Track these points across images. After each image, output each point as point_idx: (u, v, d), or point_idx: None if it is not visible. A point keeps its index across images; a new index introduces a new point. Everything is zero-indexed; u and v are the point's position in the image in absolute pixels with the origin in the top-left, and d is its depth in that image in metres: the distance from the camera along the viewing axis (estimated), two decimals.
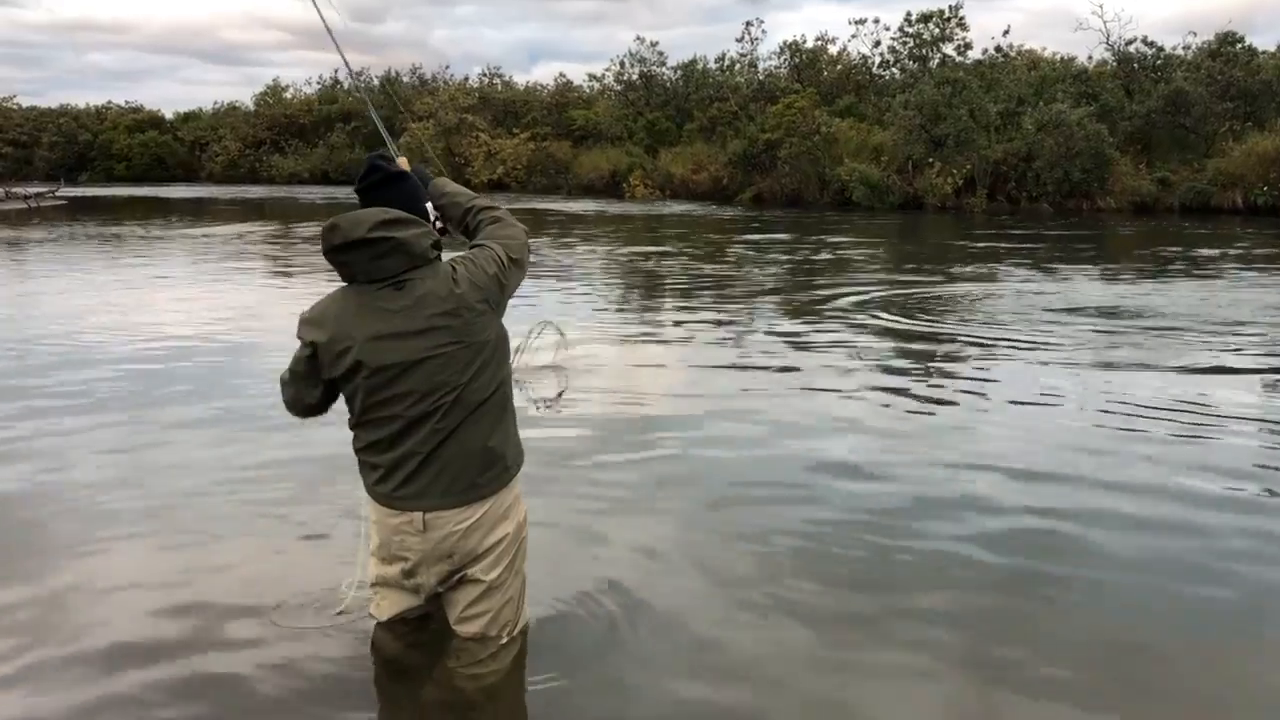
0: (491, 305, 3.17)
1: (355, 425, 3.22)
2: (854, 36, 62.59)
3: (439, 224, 3.37)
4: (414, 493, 3.15)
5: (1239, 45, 36.02)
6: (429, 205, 3.24)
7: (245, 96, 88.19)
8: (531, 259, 3.45)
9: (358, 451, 3.25)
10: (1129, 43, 38.70)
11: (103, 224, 27.40)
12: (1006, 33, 46.13)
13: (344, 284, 3.14)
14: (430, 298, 3.06)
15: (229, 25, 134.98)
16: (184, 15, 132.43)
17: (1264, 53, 36.36)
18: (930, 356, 9.07)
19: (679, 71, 50.36)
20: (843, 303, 12.26)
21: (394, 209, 3.06)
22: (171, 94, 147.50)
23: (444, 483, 3.15)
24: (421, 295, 3.06)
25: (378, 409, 3.12)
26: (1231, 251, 19.03)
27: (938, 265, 16.99)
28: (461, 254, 3.24)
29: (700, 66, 50.02)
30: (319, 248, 3.16)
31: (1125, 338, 9.88)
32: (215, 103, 68.93)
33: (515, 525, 3.34)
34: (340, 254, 3.04)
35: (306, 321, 3.15)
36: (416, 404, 3.09)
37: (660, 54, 51.01)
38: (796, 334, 10.16)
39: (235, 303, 12.37)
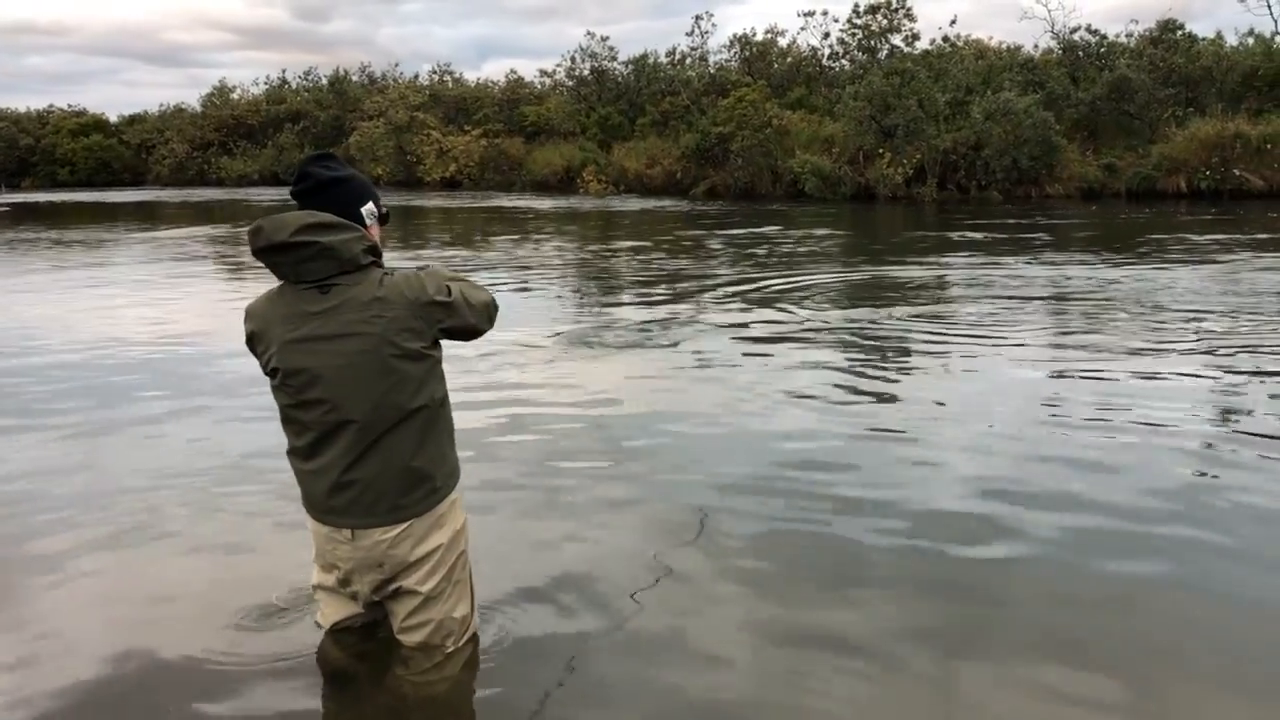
0: (424, 320, 3.09)
1: (284, 427, 3.20)
2: (803, 29, 63.24)
3: (382, 215, 3.25)
4: (337, 509, 3.14)
5: (1179, 33, 36.57)
6: (365, 209, 3.17)
7: (191, 98, 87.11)
8: (494, 323, 3.37)
9: (287, 455, 3.24)
10: (1073, 31, 39.23)
11: (47, 230, 26.92)
12: (953, 23, 46.63)
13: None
14: (351, 303, 3.01)
15: (171, 26, 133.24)
16: (125, 17, 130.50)
17: (1203, 39, 36.96)
18: (882, 343, 9.15)
19: (630, 66, 50.31)
20: (792, 293, 12.34)
21: (324, 213, 3.02)
22: (115, 97, 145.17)
23: (365, 503, 3.12)
24: (343, 300, 3.01)
25: (294, 413, 3.11)
26: (1181, 235, 19.35)
27: (888, 254, 17.14)
28: (409, 270, 3.20)
29: (651, 61, 50.01)
30: None
31: (1072, 320, 10.03)
32: (161, 105, 68.04)
33: (450, 534, 3.31)
34: (266, 255, 3.01)
35: (246, 313, 3.16)
36: (329, 413, 3.05)
37: (611, 49, 50.98)
38: (749, 325, 10.20)
39: (186, 307, 12.22)
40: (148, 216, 32.66)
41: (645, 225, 25.63)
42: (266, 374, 3.14)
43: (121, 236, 24.39)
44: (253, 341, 3.14)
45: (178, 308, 12.28)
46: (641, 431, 6.43)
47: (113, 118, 67.69)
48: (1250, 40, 38.51)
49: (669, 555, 4.43)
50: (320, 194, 3.09)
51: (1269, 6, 39.76)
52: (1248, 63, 35.43)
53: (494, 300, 3.37)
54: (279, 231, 2.96)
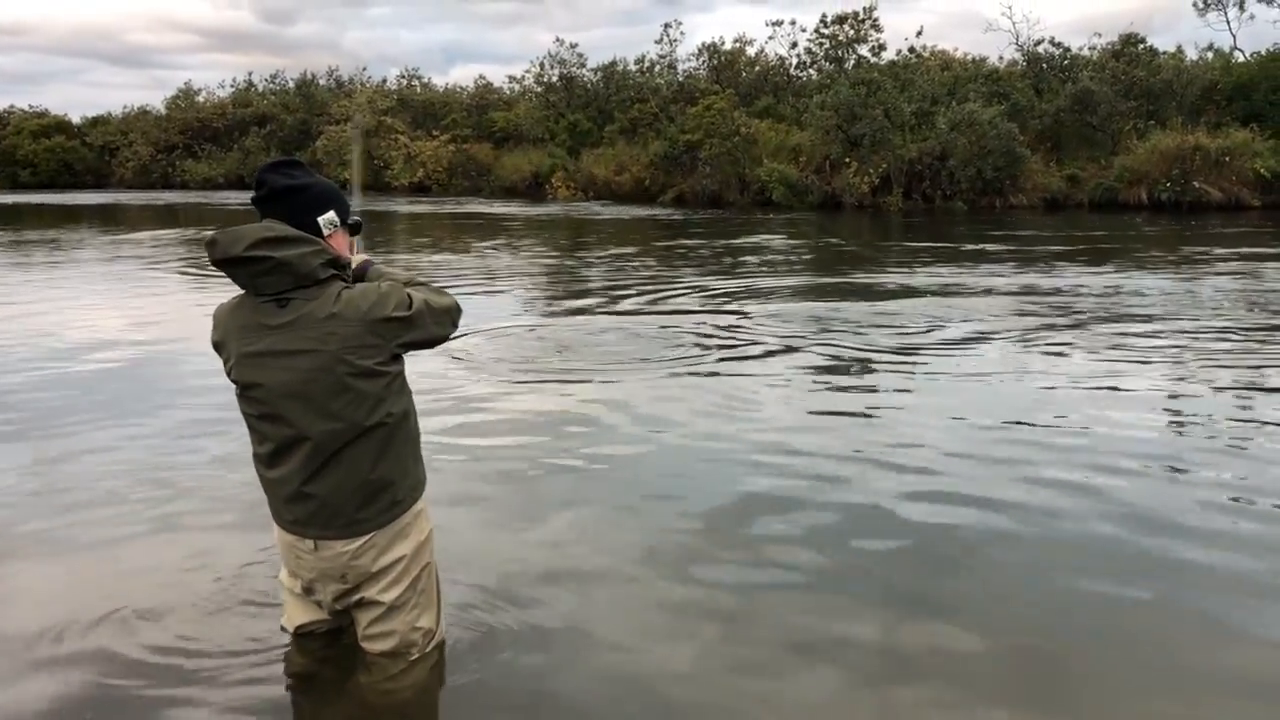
0: (381, 336, 3.04)
1: (249, 432, 3.20)
2: (771, 38, 63.26)
3: (352, 224, 3.21)
4: (298, 520, 3.14)
5: (1140, 46, 37.15)
6: (324, 218, 3.11)
7: (155, 100, 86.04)
8: (457, 327, 3.34)
9: (253, 458, 3.24)
10: (1037, 43, 39.77)
11: (6, 231, 26.56)
12: (919, 34, 46.81)
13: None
14: (307, 319, 2.98)
15: (135, 27, 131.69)
16: (87, 17, 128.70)
17: (1164, 53, 37.56)
18: (847, 349, 9.21)
19: (599, 73, 50.36)
20: (758, 299, 12.41)
21: (281, 225, 2.99)
22: (77, 98, 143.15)
23: (323, 517, 3.11)
24: (300, 316, 2.98)
25: (254, 424, 3.12)
26: (1137, 245, 19.63)
27: (854, 263, 17.28)
28: (370, 284, 3.16)
29: (620, 68, 50.09)
30: None
31: (1039, 320, 10.15)
32: (124, 106, 67.17)
33: (414, 545, 3.30)
34: (222, 268, 3.00)
35: (213, 319, 3.15)
36: (285, 427, 3.03)
37: (580, 55, 50.98)
38: (717, 331, 10.24)
39: (150, 311, 12.10)
40: (111, 219, 32.29)
41: (617, 231, 25.65)
42: (231, 381, 3.14)
43: (85, 239, 24.11)
44: (218, 348, 3.14)
45: (140, 311, 12.16)
46: (601, 436, 6.45)
47: (75, 119, 66.82)
48: (1209, 55, 39.24)
49: (635, 566, 4.46)
50: (276, 202, 3.05)
51: (1228, 22, 40.30)
52: (1207, 76, 36.03)
53: (457, 304, 3.32)
54: (233, 245, 2.94)
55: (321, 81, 62.05)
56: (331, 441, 3.04)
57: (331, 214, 3.13)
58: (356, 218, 3.26)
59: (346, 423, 3.04)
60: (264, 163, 3.20)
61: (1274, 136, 31.72)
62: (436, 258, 19.07)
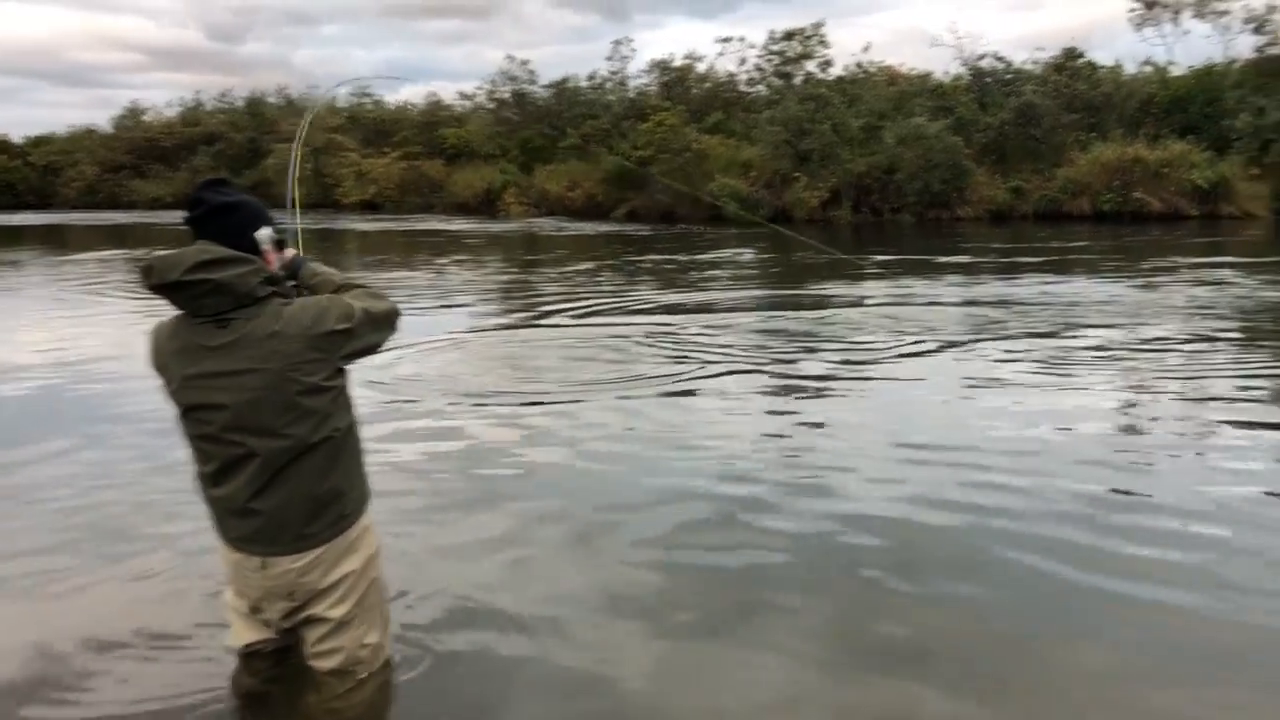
0: (324, 351, 3.08)
1: (192, 453, 3.20)
2: (720, 54, 63.94)
3: (279, 240, 3.23)
4: (244, 538, 3.15)
5: (1081, 60, 37.89)
6: (261, 234, 3.13)
7: (101, 119, 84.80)
8: (396, 330, 3.38)
9: (196, 479, 3.23)
10: (980, 58, 40.37)
11: None
12: (866, 50, 47.58)
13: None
14: (249, 338, 2.99)
15: (78, 46, 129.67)
16: (28, 35, 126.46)
17: (1103, 67, 38.37)
18: (793, 364, 9.34)
19: (551, 90, 50.48)
20: (708, 313, 12.53)
21: (217, 246, 3.00)
22: (18, 117, 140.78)
23: (269, 533, 3.12)
24: (242, 335, 2.99)
25: (198, 444, 3.12)
26: (1081, 254, 20.01)
27: (802, 276, 17.48)
28: (309, 299, 3.19)
29: (572, 85, 50.25)
30: None
31: (984, 331, 10.35)
32: (69, 126, 66.15)
33: (362, 560, 3.32)
34: (159, 293, 3.01)
35: (150, 344, 3.14)
36: (230, 447, 3.05)
37: (532, 72, 51.10)
38: (671, 343, 10.33)
39: (95, 333, 11.96)
40: (56, 240, 31.81)
41: (573, 247, 25.71)
42: (173, 404, 3.16)
43: (26, 260, 23.74)
44: (157, 369, 3.13)
45: (83, 332, 12.02)
46: (554, 460, 6.48)
47: (16, 138, 65.77)
48: (1147, 69, 40.11)
49: (580, 585, 4.50)
50: (212, 221, 3.06)
51: (1163, 37, 41.31)
52: (1145, 90, 36.89)
53: (395, 308, 3.34)
54: (170, 271, 2.95)
55: (271, 99, 61.63)
56: (279, 458, 3.06)
57: (269, 230, 3.18)
58: (283, 235, 3.28)
59: (294, 439, 3.06)
60: (197, 183, 3.20)
61: (1210, 148, 32.50)
62: (392, 274, 19.01)
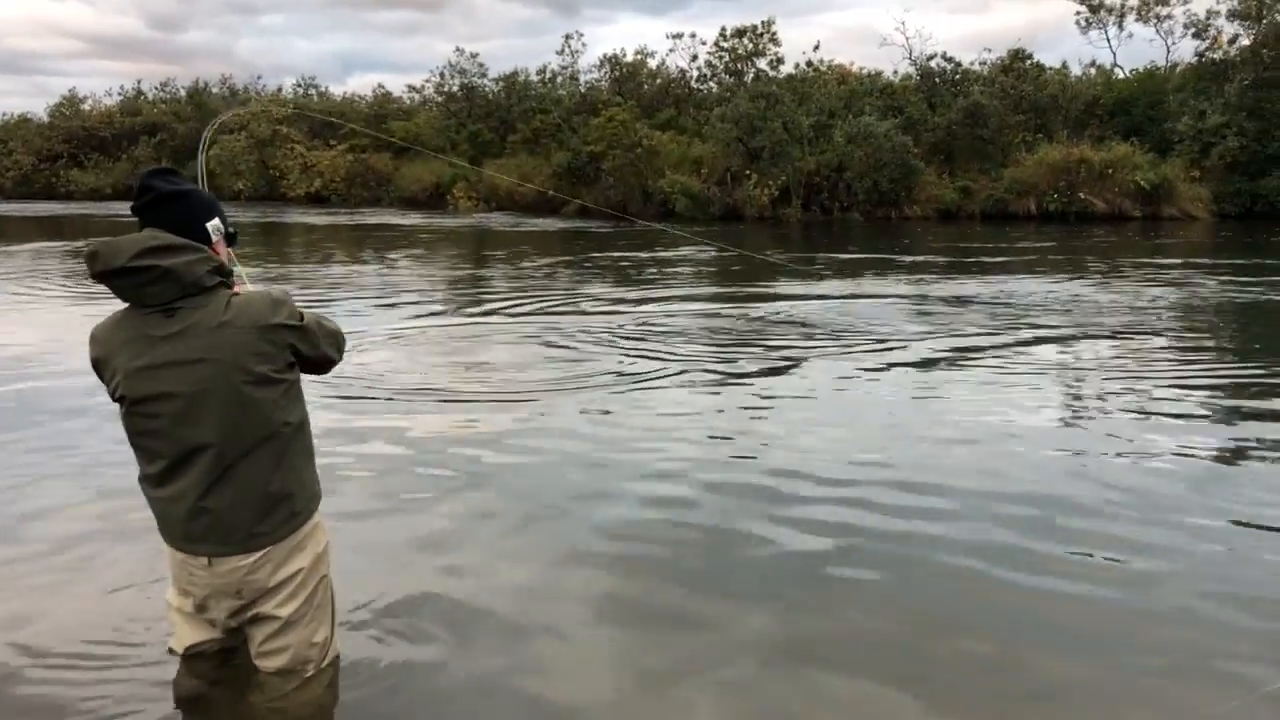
0: (273, 344, 2.98)
1: (135, 453, 3.07)
2: (672, 50, 64.06)
3: (229, 234, 3.13)
4: (192, 536, 3.01)
5: (1028, 61, 38.43)
6: (211, 224, 3.04)
7: (37, 107, 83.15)
8: (343, 356, 3.31)
9: (139, 481, 3.10)
10: (930, 58, 40.87)
11: None
12: (817, 48, 48.01)
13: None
14: (197, 328, 2.89)
15: (14, 32, 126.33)
16: None
17: (1050, 69, 38.93)
18: (740, 362, 9.30)
19: (501, 83, 50.22)
20: (657, 311, 12.47)
21: (166, 233, 2.89)
22: None
23: (219, 532, 2.99)
24: (189, 325, 2.89)
25: (144, 441, 2.97)
26: (1022, 254, 20.26)
27: (752, 275, 17.51)
28: (258, 290, 3.10)
29: (522, 79, 50.03)
30: None
31: (931, 328, 10.39)
32: (3, 114, 64.63)
33: (312, 558, 3.20)
34: (104, 280, 2.87)
35: (90, 338, 3.00)
36: (178, 441, 2.93)
37: (481, 65, 50.83)
38: (621, 342, 10.24)
39: (33, 327, 11.63)
40: None
41: (524, 242, 25.56)
42: (114, 400, 3.00)
43: None
44: (98, 367, 2.99)
45: (16, 328, 11.68)
46: (503, 453, 6.38)
47: None
48: (1093, 71, 40.82)
49: (531, 586, 4.42)
50: (163, 208, 2.96)
51: (1108, 40, 42.03)
52: (1090, 92, 37.53)
53: (341, 332, 3.30)
54: (115, 257, 2.83)
55: (215, 90, 60.69)
56: (229, 452, 2.95)
57: (218, 221, 3.08)
58: (234, 228, 3.18)
59: (243, 432, 2.96)
60: (143, 171, 3.09)
61: (1153, 150, 33.13)
62: (338, 269, 18.75)
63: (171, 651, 3.40)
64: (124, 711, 3.32)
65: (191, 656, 3.34)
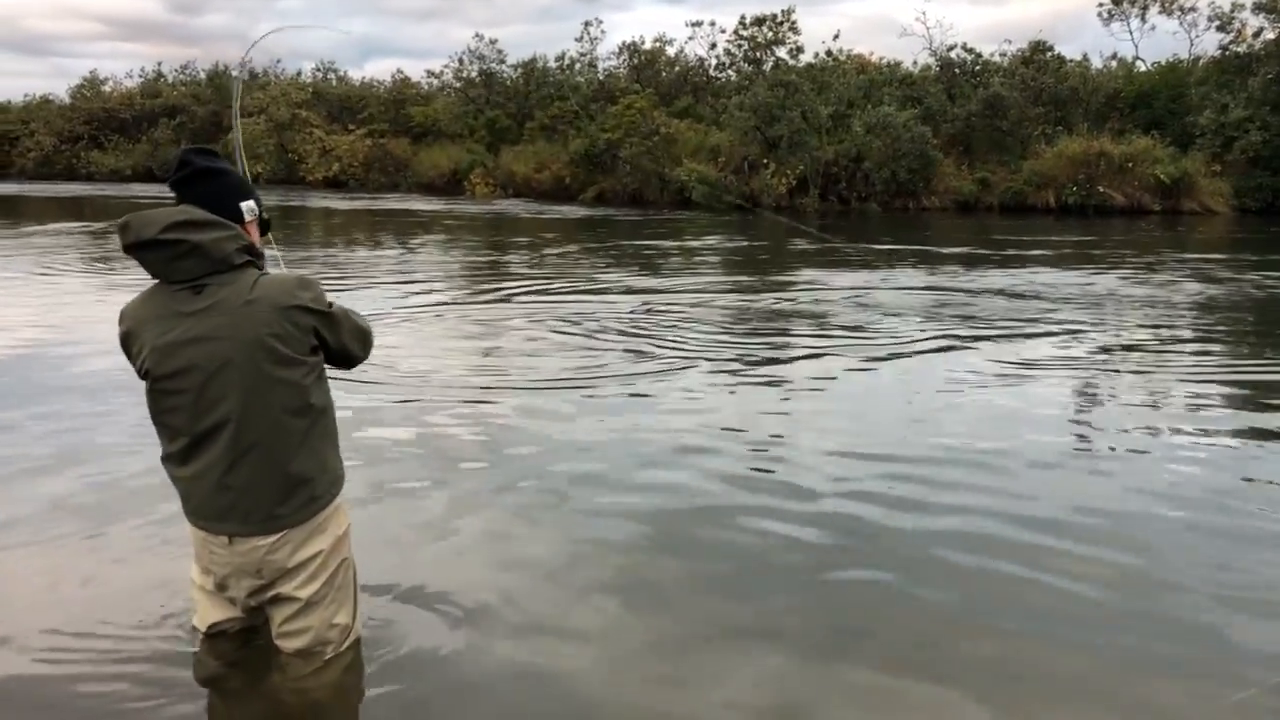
0: (297, 325, 3.02)
1: (158, 432, 3.12)
2: (691, 38, 63.85)
3: (263, 220, 3.19)
4: (214, 516, 3.06)
5: (1049, 53, 38.12)
6: (246, 205, 3.10)
7: (58, 89, 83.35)
8: (369, 355, 3.35)
9: (162, 464, 3.16)
10: (950, 49, 40.58)
11: None
12: (836, 37, 47.72)
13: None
14: (223, 305, 2.94)
15: (35, 14, 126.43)
16: None
17: (1071, 61, 38.64)
18: (759, 352, 9.32)
19: (519, 70, 50.11)
20: (675, 299, 12.49)
21: (198, 209, 2.94)
22: None
23: (241, 511, 3.05)
24: (217, 301, 2.94)
25: (168, 418, 3.03)
26: (1045, 250, 20.17)
27: (770, 264, 17.49)
28: (286, 271, 3.14)
29: (541, 65, 49.90)
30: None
31: (950, 321, 10.39)
32: (25, 95, 64.72)
33: (332, 540, 3.26)
34: (134, 253, 2.93)
35: (120, 315, 3.06)
36: (201, 418, 2.98)
37: (500, 52, 50.66)
38: (635, 330, 10.27)
39: (52, 306, 11.71)
40: (11, 211, 31.19)
41: (545, 230, 25.58)
42: (141, 377, 3.05)
43: None
44: (126, 343, 3.04)
45: (40, 307, 11.77)
46: (523, 446, 6.43)
47: None
48: (1113, 63, 40.50)
49: (551, 567, 4.47)
50: (198, 183, 3.01)
51: (1130, 32, 41.63)
52: (1111, 85, 37.21)
53: (370, 331, 3.32)
54: (147, 228, 2.89)
55: (234, 73, 60.67)
56: (250, 431, 3.00)
57: (252, 203, 3.14)
58: (268, 216, 3.23)
59: (264, 410, 3.00)
60: (183, 148, 3.14)
61: (1173, 144, 32.85)
62: (362, 253, 18.82)
63: (194, 629, 3.48)
64: (145, 691, 3.38)
65: (213, 636, 3.42)
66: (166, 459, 3.13)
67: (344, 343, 3.18)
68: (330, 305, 3.12)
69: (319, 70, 59.41)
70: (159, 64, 61.95)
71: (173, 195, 3.03)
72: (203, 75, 61.29)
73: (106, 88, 62.26)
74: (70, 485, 5.38)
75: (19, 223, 26.30)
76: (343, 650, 3.39)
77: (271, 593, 3.23)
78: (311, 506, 3.17)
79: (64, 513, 4.97)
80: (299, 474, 3.11)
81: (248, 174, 3.99)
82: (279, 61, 59.68)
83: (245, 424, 2.99)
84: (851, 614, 4.04)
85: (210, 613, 3.37)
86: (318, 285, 3.13)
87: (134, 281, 3.15)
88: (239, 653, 3.43)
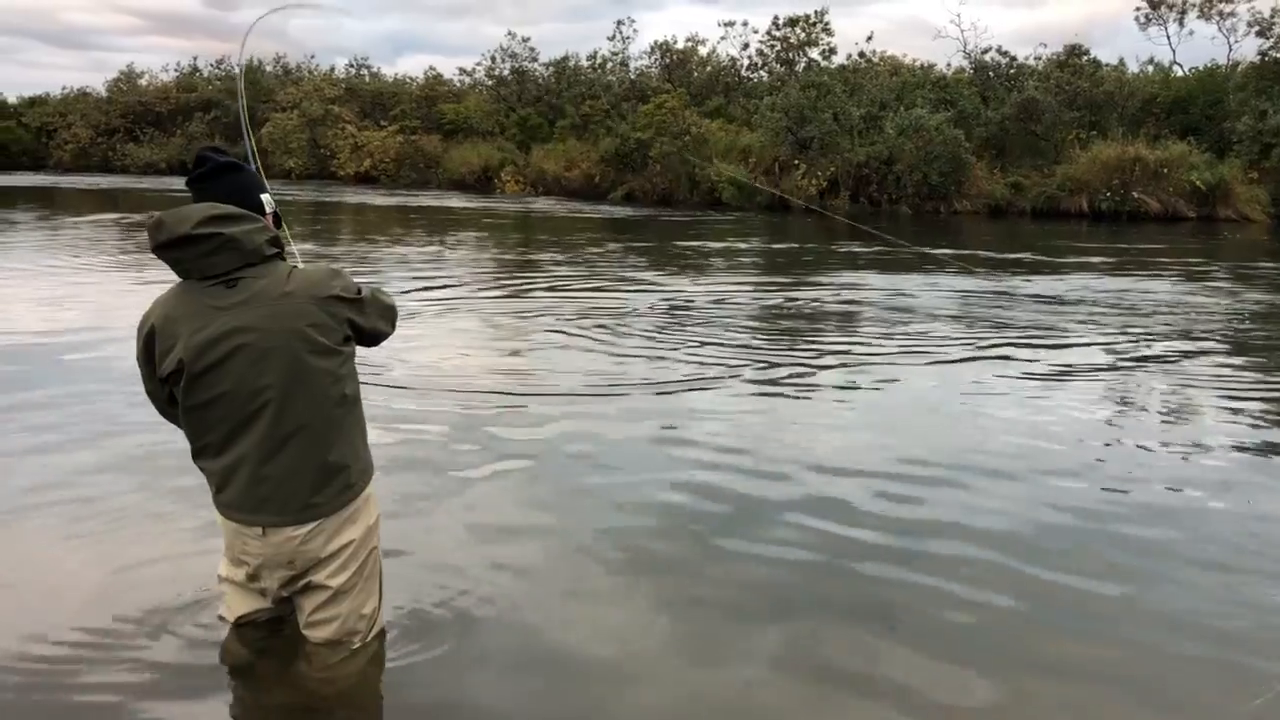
0: (332, 315, 3.07)
1: (186, 430, 3.12)
2: (723, 39, 63.74)
3: (275, 214, 3.22)
4: (249, 506, 3.08)
5: (1084, 57, 37.82)
6: (265, 197, 3.15)
7: (95, 81, 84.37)
8: (396, 328, 3.40)
9: (194, 460, 3.17)
10: (984, 52, 40.34)
11: None
12: (869, 39, 47.43)
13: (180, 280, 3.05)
14: (260, 297, 2.98)
15: (73, 7, 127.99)
16: None
17: (1106, 65, 38.32)
18: (788, 359, 9.29)
19: (551, 68, 50.24)
20: (702, 301, 12.47)
21: (224, 204, 2.97)
22: (12, 77, 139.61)
23: (278, 501, 3.07)
24: (253, 294, 2.97)
25: (202, 411, 3.03)
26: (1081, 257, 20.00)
27: (803, 266, 17.44)
28: (315, 265, 3.19)
29: (572, 64, 50.02)
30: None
31: (981, 328, 10.32)
32: (64, 88, 65.51)
33: (363, 530, 3.28)
34: (168, 251, 2.94)
35: (143, 317, 3.07)
36: (240, 408, 3.00)
37: (532, 50, 50.89)
38: (657, 332, 10.27)
39: (85, 296, 11.84)
40: (48, 202, 31.57)
41: (562, 229, 25.62)
42: (167, 376, 3.02)
43: (20, 222, 23.54)
44: (149, 341, 3.02)
45: (74, 297, 11.90)
46: (538, 431, 6.44)
47: (11, 99, 65.20)
48: (1150, 68, 40.12)
49: (576, 561, 4.48)
50: (220, 178, 3.05)
51: (1168, 37, 41.19)
52: (1147, 90, 36.87)
53: (395, 305, 3.39)
54: (181, 224, 2.91)
55: (269, 68, 61.17)
56: (288, 421, 3.03)
57: (269, 196, 3.19)
58: (278, 210, 3.26)
59: (303, 400, 3.04)
60: (198, 148, 3.20)
61: (1210, 150, 32.50)
62: (399, 250, 18.91)
63: (222, 619, 3.50)
64: (173, 680, 3.40)
65: (242, 625, 3.44)
66: (200, 453, 3.14)
67: (374, 325, 3.25)
68: (359, 290, 3.17)
69: (352, 66, 59.84)
70: (194, 58, 62.75)
71: (190, 194, 3.05)
72: (237, 70, 61.77)
73: (143, 81, 62.97)
74: (98, 461, 5.43)
75: (56, 214, 26.60)
76: (369, 640, 3.41)
77: (303, 581, 3.25)
78: (346, 494, 3.20)
79: (91, 497, 5.02)
80: (335, 462, 3.14)
81: (260, 167, 4.03)
82: (313, 57, 60.24)
83: (285, 413, 3.02)
84: (892, 612, 4.01)
85: (240, 605, 3.40)
86: (346, 273, 3.20)
87: (168, 275, 3.18)
88: (267, 641, 3.45)
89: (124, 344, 8.41)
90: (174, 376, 3.02)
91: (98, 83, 65.15)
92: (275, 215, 3.21)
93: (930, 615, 3.99)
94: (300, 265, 3.17)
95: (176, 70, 63.92)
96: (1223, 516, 5.17)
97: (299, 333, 3.00)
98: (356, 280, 3.22)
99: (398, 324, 3.43)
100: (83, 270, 14.49)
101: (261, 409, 3.01)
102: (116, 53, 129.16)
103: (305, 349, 3.02)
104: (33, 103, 64.31)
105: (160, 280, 3.04)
